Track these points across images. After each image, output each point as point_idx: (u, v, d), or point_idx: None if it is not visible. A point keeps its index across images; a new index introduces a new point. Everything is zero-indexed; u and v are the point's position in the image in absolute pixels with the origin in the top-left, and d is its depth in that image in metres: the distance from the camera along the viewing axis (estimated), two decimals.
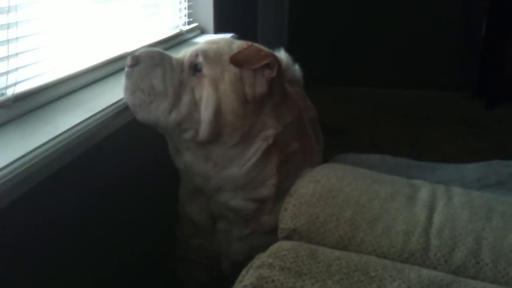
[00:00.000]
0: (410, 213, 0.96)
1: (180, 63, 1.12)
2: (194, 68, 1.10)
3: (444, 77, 4.06)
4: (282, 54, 1.41)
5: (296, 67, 1.48)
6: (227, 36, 1.84)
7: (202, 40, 1.85)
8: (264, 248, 0.90)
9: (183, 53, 1.15)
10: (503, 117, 3.58)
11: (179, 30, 1.77)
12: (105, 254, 1.20)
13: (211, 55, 1.10)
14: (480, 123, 3.47)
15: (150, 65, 1.09)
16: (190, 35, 1.85)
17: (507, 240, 0.90)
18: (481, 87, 3.87)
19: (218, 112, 1.07)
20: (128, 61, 1.10)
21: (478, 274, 0.88)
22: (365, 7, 4.04)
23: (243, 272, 0.84)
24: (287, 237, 0.97)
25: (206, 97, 1.07)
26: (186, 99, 1.08)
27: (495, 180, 1.63)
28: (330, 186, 1.02)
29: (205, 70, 1.09)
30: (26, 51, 1.02)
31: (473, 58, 3.90)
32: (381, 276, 0.83)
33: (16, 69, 0.97)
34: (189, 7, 1.90)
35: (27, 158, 0.83)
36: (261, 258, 0.86)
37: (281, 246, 0.89)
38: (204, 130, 1.07)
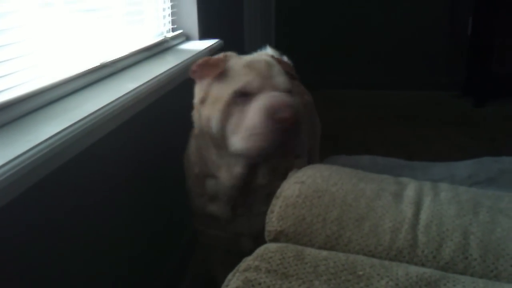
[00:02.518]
0: (397, 210, 0.95)
1: None
2: None
3: (432, 77, 4.08)
4: (268, 50, 1.42)
5: (285, 58, 1.50)
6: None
7: (187, 47, 1.84)
8: None
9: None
10: (491, 115, 3.59)
11: (163, 37, 1.76)
12: (89, 267, 1.19)
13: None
14: (469, 122, 3.48)
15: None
16: (174, 42, 1.84)
17: (495, 234, 0.89)
18: (469, 86, 3.89)
19: None
20: (289, 121, 1.07)
21: (466, 269, 0.87)
22: (351, 10, 4.06)
23: (229, 276, 0.83)
24: (274, 239, 0.96)
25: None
26: None
27: (485, 177, 1.64)
28: (316, 187, 1.01)
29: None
30: (7, 60, 1.00)
31: (460, 57, 3.93)
32: (368, 275, 0.82)
33: None
34: (173, 14, 1.90)
35: (7, 167, 0.82)
36: (247, 261, 0.85)
37: (268, 248, 0.88)
38: None
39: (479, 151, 2.29)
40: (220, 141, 1.17)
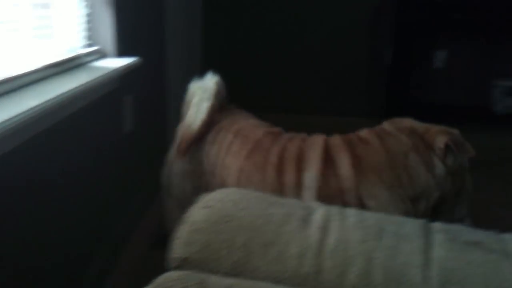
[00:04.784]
0: (304, 235, 0.94)
1: None
2: None
3: (353, 104, 4.21)
4: (209, 78, 1.43)
5: (217, 80, 1.54)
6: None
7: (102, 64, 1.78)
8: None
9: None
10: None
11: (76, 53, 1.69)
12: None
13: None
14: None
15: None
16: (88, 59, 1.77)
17: (397, 260, 0.90)
18: (388, 113, 4.04)
19: None
20: None
21: None
22: (275, 36, 4.13)
23: None
24: (178, 267, 0.92)
25: None
26: None
27: None
28: (224, 212, 0.98)
29: None
30: None
31: (381, 85, 4.09)
32: None
33: None
34: (89, 29, 1.82)
35: None
36: None
37: (169, 277, 0.84)
38: None
39: None
40: None
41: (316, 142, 1.38)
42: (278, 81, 4.18)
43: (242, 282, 0.85)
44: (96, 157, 1.74)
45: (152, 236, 1.98)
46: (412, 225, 1.00)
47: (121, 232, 1.98)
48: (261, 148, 1.38)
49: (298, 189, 1.29)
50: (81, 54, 1.71)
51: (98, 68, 1.69)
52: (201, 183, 1.49)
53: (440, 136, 1.32)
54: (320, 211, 1.03)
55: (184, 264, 0.92)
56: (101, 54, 1.87)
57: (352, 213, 1.03)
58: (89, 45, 1.84)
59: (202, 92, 1.49)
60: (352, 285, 0.87)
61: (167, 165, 1.63)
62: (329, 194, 1.27)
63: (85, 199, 1.63)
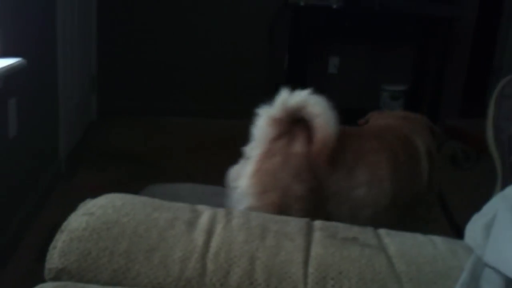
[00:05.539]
0: (188, 239, 0.94)
1: None
2: None
3: (252, 107, 4.28)
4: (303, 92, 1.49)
5: None
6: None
7: None
8: None
9: None
10: None
11: None
12: None
13: None
14: None
15: None
16: None
17: (279, 258, 0.92)
18: None
19: None
20: None
21: None
22: (177, 39, 4.09)
23: None
24: (55, 278, 0.88)
25: None
26: None
27: None
28: (105, 218, 0.95)
29: None
30: None
31: (278, 89, 4.20)
32: None
33: None
34: None
35: None
36: None
37: None
38: None
39: None
40: None
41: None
42: (179, 85, 4.15)
43: None
44: None
45: (39, 248, 1.87)
46: (294, 224, 1.03)
47: (6, 243, 1.85)
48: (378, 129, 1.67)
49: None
50: None
51: None
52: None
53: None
54: (206, 214, 1.03)
55: (60, 275, 0.87)
56: None
57: (237, 215, 1.04)
58: None
59: (315, 104, 1.46)
60: (235, 286, 0.88)
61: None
62: (431, 152, 1.59)
63: None
